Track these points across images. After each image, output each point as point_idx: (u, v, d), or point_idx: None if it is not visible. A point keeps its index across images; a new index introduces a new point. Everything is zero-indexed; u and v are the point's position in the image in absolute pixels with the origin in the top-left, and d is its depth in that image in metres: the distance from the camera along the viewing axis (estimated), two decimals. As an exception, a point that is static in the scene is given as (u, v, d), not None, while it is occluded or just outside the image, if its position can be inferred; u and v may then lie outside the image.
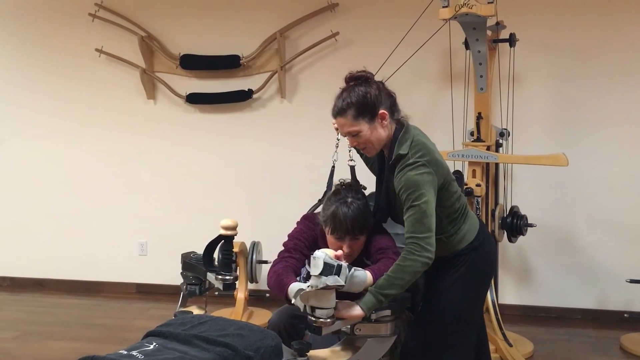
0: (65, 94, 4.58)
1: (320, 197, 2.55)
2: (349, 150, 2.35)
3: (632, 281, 3.68)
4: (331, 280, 1.79)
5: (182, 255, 2.76)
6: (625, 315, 3.87)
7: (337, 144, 2.41)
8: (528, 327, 3.85)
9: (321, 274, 1.79)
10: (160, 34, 4.42)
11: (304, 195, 4.27)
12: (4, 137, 4.69)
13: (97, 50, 4.40)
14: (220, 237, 2.47)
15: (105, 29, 4.41)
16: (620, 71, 3.88)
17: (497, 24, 3.40)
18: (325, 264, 1.80)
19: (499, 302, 3.52)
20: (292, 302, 1.95)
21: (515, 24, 3.56)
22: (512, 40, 3.47)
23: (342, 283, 1.84)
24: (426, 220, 1.98)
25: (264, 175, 4.39)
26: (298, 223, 2.40)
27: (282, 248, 2.32)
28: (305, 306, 1.91)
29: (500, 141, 3.55)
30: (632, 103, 3.89)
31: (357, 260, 2.23)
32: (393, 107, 2.15)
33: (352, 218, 2.13)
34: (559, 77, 3.95)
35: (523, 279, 4.10)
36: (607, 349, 3.57)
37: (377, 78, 2.62)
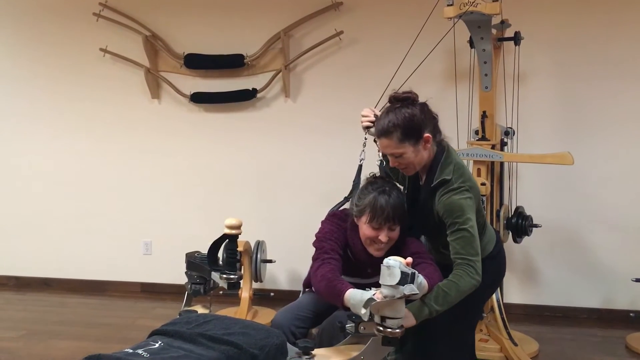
0: (70, 93, 4.59)
1: (346, 195, 2.49)
2: (378, 151, 2.33)
3: (638, 280, 3.67)
4: (408, 289, 1.76)
5: (186, 254, 2.76)
6: (631, 314, 3.85)
7: (365, 142, 2.38)
8: (533, 326, 3.84)
9: (398, 283, 1.74)
10: (164, 33, 4.42)
11: (308, 194, 4.31)
12: (8, 137, 4.71)
13: (101, 49, 4.41)
14: (224, 236, 2.47)
15: (110, 28, 4.42)
16: (626, 69, 3.87)
17: (502, 22, 3.40)
18: (402, 273, 1.76)
19: (504, 301, 3.51)
20: (362, 312, 1.86)
21: (520, 22, 3.55)
22: (517, 38, 3.45)
23: (417, 292, 1.80)
24: (475, 244, 2.05)
25: (269, 174, 4.39)
26: (325, 222, 2.34)
27: (318, 248, 2.24)
28: (370, 315, 1.85)
29: (505, 140, 3.54)
30: (639, 101, 3.87)
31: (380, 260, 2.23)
32: (435, 130, 2.18)
33: (393, 206, 2.13)
34: (564, 75, 3.94)
35: (528, 278, 4.09)
36: (612, 349, 3.55)
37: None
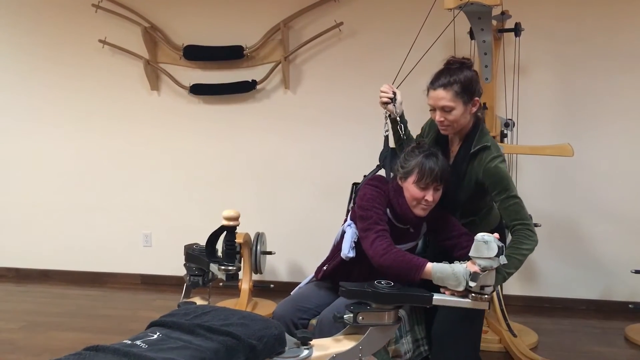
0: (69, 85, 4.58)
1: (377, 163, 2.54)
2: (400, 128, 2.47)
3: (637, 272, 3.67)
4: (502, 259, 1.94)
5: (185, 247, 2.76)
6: (630, 305, 3.86)
7: (386, 116, 2.48)
8: (533, 317, 3.85)
9: (496, 255, 1.91)
10: (163, 24, 4.41)
11: (308, 186, 4.31)
12: (6, 129, 4.71)
13: (100, 41, 4.39)
14: (222, 228, 2.47)
15: (109, 19, 4.40)
16: (626, 61, 3.85)
17: (503, 13, 3.38)
18: (498, 247, 1.92)
19: (504, 293, 3.52)
20: (470, 284, 1.94)
21: (521, 13, 3.54)
22: (517, 29, 3.44)
23: (506, 261, 1.98)
24: (525, 208, 2.22)
25: (268, 166, 4.39)
26: (366, 187, 2.30)
27: (365, 218, 2.21)
28: (465, 286, 1.97)
29: (505, 132, 3.53)
30: (639, 93, 3.86)
31: (413, 236, 2.31)
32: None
33: (441, 167, 2.21)
34: (565, 67, 3.93)
35: (528, 270, 4.09)
36: (611, 340, 3.56)
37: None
